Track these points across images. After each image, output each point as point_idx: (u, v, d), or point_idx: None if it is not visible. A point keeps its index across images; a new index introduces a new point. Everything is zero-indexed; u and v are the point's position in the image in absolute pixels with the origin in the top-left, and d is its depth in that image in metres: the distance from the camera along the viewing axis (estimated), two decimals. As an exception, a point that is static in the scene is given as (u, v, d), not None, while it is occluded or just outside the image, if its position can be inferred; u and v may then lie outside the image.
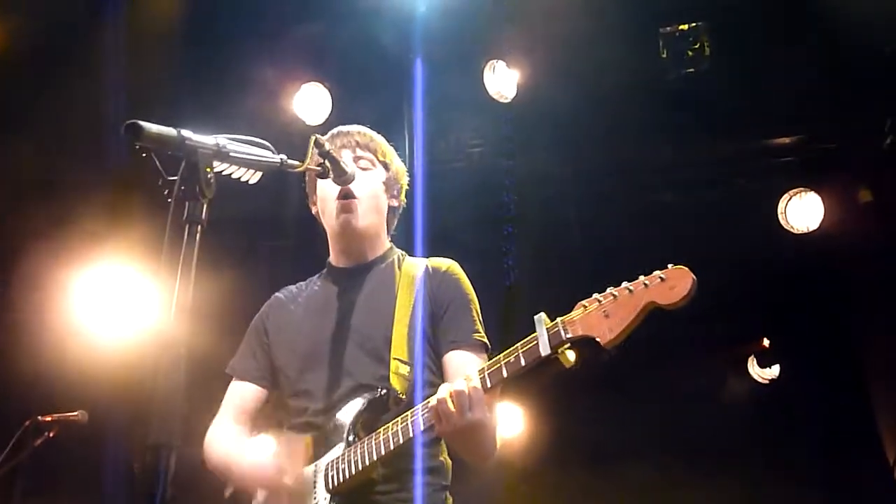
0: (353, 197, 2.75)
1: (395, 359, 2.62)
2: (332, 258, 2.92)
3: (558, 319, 2.23)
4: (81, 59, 5.31)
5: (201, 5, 5.34)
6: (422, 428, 2.40)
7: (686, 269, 2.11)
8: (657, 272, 2.13)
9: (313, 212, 2.95)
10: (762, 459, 6.25)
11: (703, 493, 6.12)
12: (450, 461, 2.73)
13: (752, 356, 6.72)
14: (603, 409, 6.61)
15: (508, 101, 5.62)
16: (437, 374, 2.67)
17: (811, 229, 5.73)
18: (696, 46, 5.24)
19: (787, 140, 5.83)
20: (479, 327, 2.72)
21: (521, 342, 2.29)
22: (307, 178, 2.92)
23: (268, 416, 2.94)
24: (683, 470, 6.27)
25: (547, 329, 2.22)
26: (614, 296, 2.15)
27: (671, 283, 2.10)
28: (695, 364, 6.41)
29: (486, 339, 2.71)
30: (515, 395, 6.52)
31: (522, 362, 2.28)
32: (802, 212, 5.75)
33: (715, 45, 5.23)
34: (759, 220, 5.86)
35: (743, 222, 5.91)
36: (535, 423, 6.88)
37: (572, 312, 2.21)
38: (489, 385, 2.33)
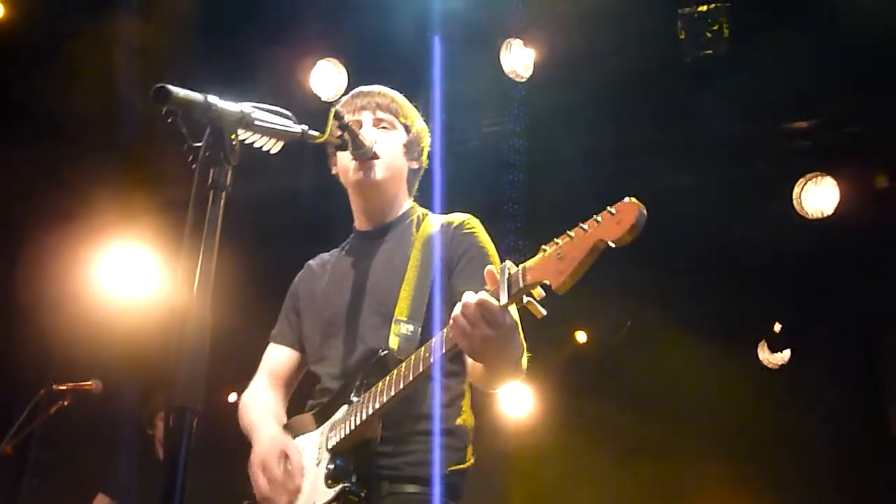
0: (372, 157, 2.72)
1: (396, 319, 2.58)
2: (356, 222, 2.91)
3: (520, 266, 2.11)
4: (95, 36, 5.31)
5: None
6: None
7: (635, 201, 1.97)
8: (609, 207, 2.00)
9: (333, 172, 2.92)
10: (771, 444, 6.26)
11: (711, 474, 6.14)
12: (470, 421, 2.69)
13: (763, 341, 6.71)
14: (609, 391, 6.63)
15: (524, 80, 5.59)
16: None
17: (826, 214, 5.70)
18: (715, 28, 5.20)
19: (803, 124, 5.79)
20: None
21: (489, 292, 2.17)
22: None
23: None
24: (689, 454, 6.29)
25: (509, 277, 2.11)
26: (570, 236, 2.03)
27: (619, 217, 1.97)
28: (705, 348, 6.41)
29: None
30: (527, 375, 6.53)
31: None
32: (818, 197, 5.71)
33: (733, 27, 5.19)
34: (773, 205, 5.84)
35: (758, 206, 5.89)
36: (543, 403, 6.91)
37: (534, 257, 2.09)
38: (443, 352, 2.25)
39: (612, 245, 1.97)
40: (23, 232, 5.63)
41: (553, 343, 6.79)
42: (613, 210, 1.98)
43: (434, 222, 2.78)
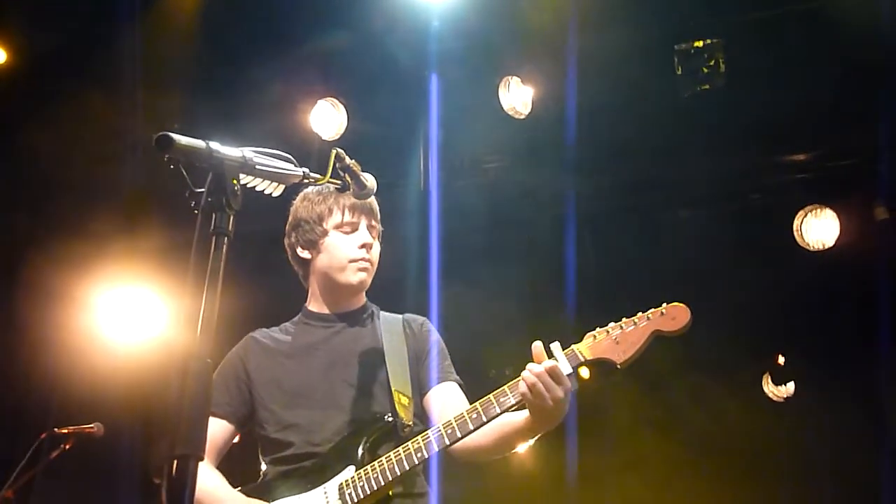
0: (370, 260, 2.95)
1: (396, 391, 2.82)
2: (314, 306, 3.03)
3: (573, 346, 2.55)
4: (98, 76, 5.35)
5: (217, 21, 5.39)
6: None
7: (684, 305, 2.55)
8: (658, 308, 2.55)
9: (301, 256, 3.00)
10: (775, 476, 6.21)
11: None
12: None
13: (767, 373, 6.68)
14: (611, 426, 6.59)
15: (523, 117, 5.63)
16: (421, 412, 2.91)
17: (827, 246, 5.71)
18: (712, 63, 5.25)
19: (802, 157, 5.82)
20: (453, 369, 2.99)
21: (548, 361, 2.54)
22: (302, 225, 2.98)
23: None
24: (696, 487, 6.24)
25: (564, 353, 2.54)
26: (621, 327, 2.55)
27: (672, 315, 2.54)
28: (708, 381, 6.38)
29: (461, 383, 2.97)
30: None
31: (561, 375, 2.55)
32: (818, 229, 5.73)
33: (730, 62, 5.23)
34: (774, 237, 5.85)
35: (758, 239, 5.90)
36: (545, 441, 6.85)
37: (583, 341, 2.57)
38: (498, 411, 2.58)
39: (667, 335, 2.55)
40: (24, 275, 5.63)
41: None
42: (664, 311, 2.55)
43: (393, 316, 3.04)
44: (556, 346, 2.55)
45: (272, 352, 2.98)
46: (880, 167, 5.50)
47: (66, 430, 4.46)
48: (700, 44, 5.25)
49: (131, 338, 5.66)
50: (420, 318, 3.06)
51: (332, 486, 2.70)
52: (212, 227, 1.73)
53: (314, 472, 2.74)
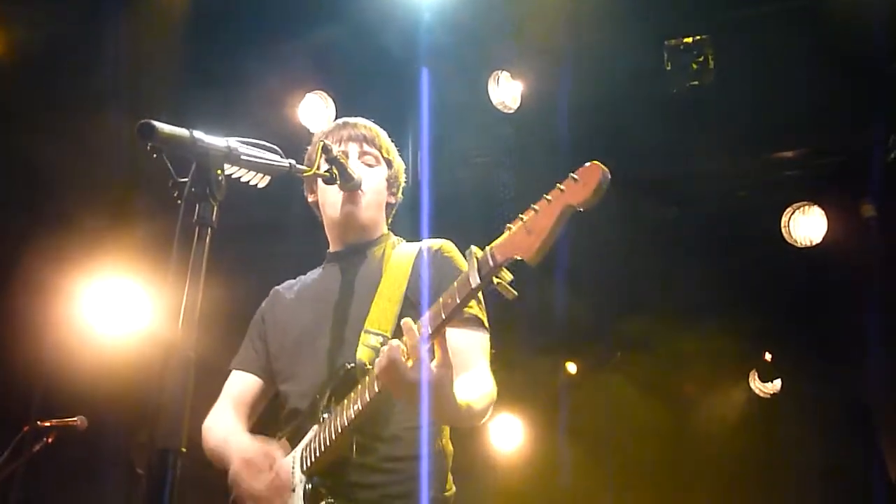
0: (359, 189, 2.74)
1: (366, 331, 2.56)
2: (331, 246, 2.94)
3: (486, 248, 2.10)
4: (87, 68, 5.30)
5: (205, 13, 5.35)
6: (376, 390, 2.28)
7: (597, 163, 1.97)
8: (571, 174, 1.99)
9: (310, 200, 2.95)
10: (762, 472, 6.23)
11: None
12: (449, 446, 2.65)
13: (754, 370, 6.70)
14: (600, 422, 6.60)
15: (512, 111, 5.62)
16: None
17: (814, 243, 5.74)
18: (701, 59, 5.24)
19: (790, 154, 5.84)
20: (474, 303, 2.53)
21: (457, 280, 2.18)
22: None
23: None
24: (682, 485, 6.26)
25: (477, 259, 2.10)
26: (535, 210, 2.03)
27: (583, 181, 1.96)
28: (696, 378, 6.40)
29: (480, 314, 2.60)
30: (518, 408, 6.51)
31: (457, 299, 2.15)
32: (806, 226, 5.75)
33: (719, 59, 5.23)
34: (762, 234, 5.86)
35: (746, 236, 5.91)
36: (534, 437, 6.86)
37: (500, 237, 2.09)
38: (429, 331, 2.17)
39: (581, 209, 1.97)
40: (6, 267, 5.58)
41: (543, 375, 6.76)
42: (576, 176, 1.98)
43: (408, 246, 2.82)
44: (470, 252, 2.12)
45: (287, 302, 2.89)
46: (868, 165, 5.53)
47: (48, 424, 4.43)
48: (690, 40, 5.25)
49: (116, 330, 5.62)
50: (438, 243, 2.73)
51: (298, 449, 2.53)
52: (195, 217, 1.71)
53: (298, 433, 2.57)
